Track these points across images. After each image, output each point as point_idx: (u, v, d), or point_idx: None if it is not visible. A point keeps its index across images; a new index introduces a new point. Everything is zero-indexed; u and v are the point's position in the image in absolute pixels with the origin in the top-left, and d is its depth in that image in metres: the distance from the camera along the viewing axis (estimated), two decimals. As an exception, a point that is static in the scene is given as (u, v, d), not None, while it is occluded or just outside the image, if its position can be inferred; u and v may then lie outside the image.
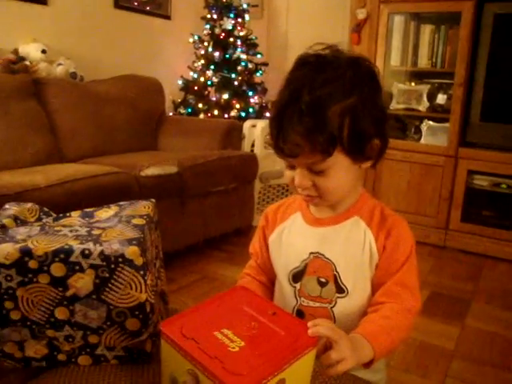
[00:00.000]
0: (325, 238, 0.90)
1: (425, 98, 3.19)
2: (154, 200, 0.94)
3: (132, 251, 0.74)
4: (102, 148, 2.87)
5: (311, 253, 0.90)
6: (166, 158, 2.57)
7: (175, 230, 2.51)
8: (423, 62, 3.21)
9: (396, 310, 0.83)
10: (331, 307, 0.88)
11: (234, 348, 0.62)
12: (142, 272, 0.75)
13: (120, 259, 0.73)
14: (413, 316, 0.85)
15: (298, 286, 0.91)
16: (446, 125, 3.04)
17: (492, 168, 2.91)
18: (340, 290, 0.88)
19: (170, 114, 3.85)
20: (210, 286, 2.38)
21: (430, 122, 3.15)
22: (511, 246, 2.89)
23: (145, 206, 0.91)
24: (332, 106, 0.76)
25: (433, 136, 3.10)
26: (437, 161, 3.04)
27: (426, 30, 3.17)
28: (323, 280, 0.89)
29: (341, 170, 0.81)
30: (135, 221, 0.83)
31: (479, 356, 1.89)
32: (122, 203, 0.92)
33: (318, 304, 0.89)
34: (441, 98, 3.13)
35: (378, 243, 0.87)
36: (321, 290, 0.89)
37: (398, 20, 3.24)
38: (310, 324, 0.67)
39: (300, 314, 0.92)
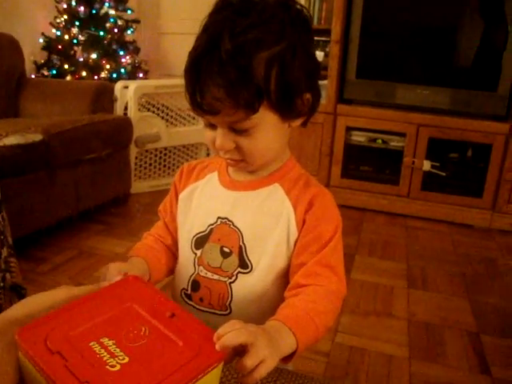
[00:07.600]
0: (237, 204, 0.80)
1: (303, 56, 3.17)
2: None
3: (-40, 241, 0.57)
4: None
5: (219, 217, 0.80)
6: (29, 125, 2.29)
7: (44, 205, 2.26)
8: (300, 19, 3.17)
9: (320, 292, 0.72)
10: (230, 282, 0.78)
11: (114, 366, 0.47)
12: (-25, 267, 0.59)
13: None
14: (339, 300, 0.74)
15: (198, 253, 0.80)
16: (325, 82, 3.05)
17: (368, 124, 2.99)
18: (243, 264, 0.78)
19: (32, 76, 3.49)
20: (88, 262, 2.19)
21: (309, 80, 3.14)
22: (386, 198, 3.03)
23: (-17, 182, 0.73)
24: (257, 54, 0.66)
25: (312, 94, 3.11)
26: (316, 118, 3.04)
27: (302, -15, 3.13)
28: (227, 250, 0.78)
29: (267, 129, 0.72)
30: (-32, 201, 0.66)
31: (365, 307, 1.95)
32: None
33: (216, 277, 0.79)
34: (318, 56, 3.12)
35: (298, 216, 0.77)
36: (222, 260, 0.78)
37: (273, -26, 3.16)
38: (217, 333, 0.53)
39: (196, 284, 0.81)
